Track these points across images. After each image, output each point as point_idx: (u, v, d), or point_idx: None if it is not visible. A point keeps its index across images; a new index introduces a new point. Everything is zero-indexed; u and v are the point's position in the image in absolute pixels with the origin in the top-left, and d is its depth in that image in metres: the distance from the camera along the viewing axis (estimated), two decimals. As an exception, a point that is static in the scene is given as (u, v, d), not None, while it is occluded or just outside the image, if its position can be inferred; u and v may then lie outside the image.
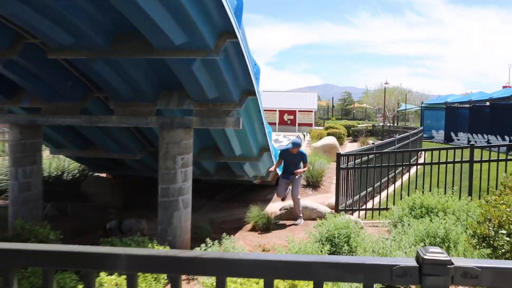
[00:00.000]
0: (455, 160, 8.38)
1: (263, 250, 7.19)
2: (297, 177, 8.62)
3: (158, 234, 7.36)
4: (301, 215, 8.72)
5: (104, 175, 12.43)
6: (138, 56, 6.14)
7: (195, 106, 7.43)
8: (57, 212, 9.75)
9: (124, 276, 3.96)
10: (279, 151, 12.72)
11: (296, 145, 8.53)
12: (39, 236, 4.99)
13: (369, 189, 9.81)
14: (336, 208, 9.13)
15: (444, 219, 5.79)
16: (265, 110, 8.93)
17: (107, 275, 3.78)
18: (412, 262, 1.20)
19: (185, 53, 5.93)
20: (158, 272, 1.52)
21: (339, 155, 9.38)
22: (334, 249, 6.41)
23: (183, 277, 6.10)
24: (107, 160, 11.25)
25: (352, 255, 6.29)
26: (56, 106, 8.05)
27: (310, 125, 41.05)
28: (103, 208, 10.24)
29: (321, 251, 5.85)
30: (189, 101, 7.43)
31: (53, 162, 12.60)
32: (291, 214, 9.06)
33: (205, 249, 6.38)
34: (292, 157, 8.62)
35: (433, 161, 10.76)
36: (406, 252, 5.08)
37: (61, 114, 7.95)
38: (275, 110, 41.27)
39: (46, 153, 12.83)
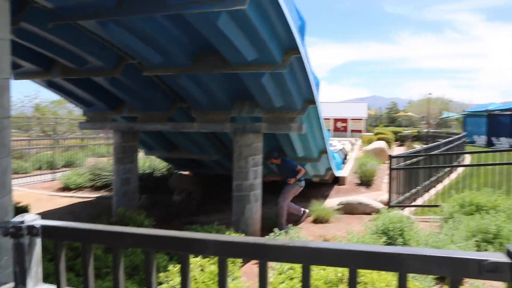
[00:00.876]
0: (500, 162, 7.76)
1: (324, 240, 6.99)
2: (288, 186, 8.09)
3: (232, 223, 7.38)
4: (284, 223, 7.89)
5: (186, 172, 12.70)
6: (216, 71, 6.17)
7: (264, 114, 7.37)
8: (149, 203, 10.03)
9: (207, 259, 3.95)
10: (335, 154, 12.44)
11: (270, 156, 8.08)
12: (137, 222, 5.12)
13: (418, 188, 9.31)
14: (388, 204, 8.74)
15: (494, 216, 5.33)
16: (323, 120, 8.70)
17: (193, 257, 3.77)
18: (503, 258, 1.03)
19: (256, 67, 5.88)
20: (247, 257, 1.43)
21: (391, 157, 8.98)
22: (390, 240, 6.09)
23: (254, 261, 6.03)
24: (188, 160, 11.48)
25: (407, 246, 5.95)
26: (149, 115, 8.28)
27: (361, 131, 39.98)
28: (183, 200, 10.41)
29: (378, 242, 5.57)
30: (258, 110, 7.38)
31: (146, 161, 13.03)
32: (348, 209, 8.79)
33: (272, 238, 6.28)
34: (279, 167, 8.20)
35: (477, 163, 10.06)
36: (459, 246, 4.71)
37: (152, 121, 8.18)
38: (330, 119, 40.54)
39: (141, 154, 13.35)
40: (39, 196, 10.68)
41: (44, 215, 7.03)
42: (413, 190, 9.15)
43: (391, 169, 8.77)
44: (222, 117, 7.58)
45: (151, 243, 1.55)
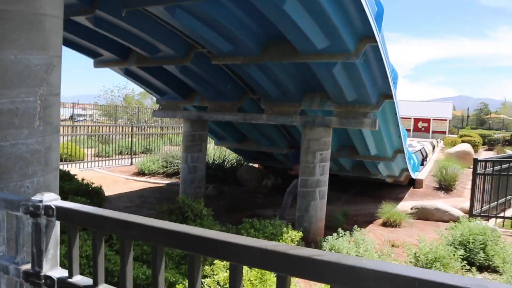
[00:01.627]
0: None
1: (392, 246, 6.40)
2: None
3: (295, 219, 7.08)
4: (286, 214, 7.60)
5: (256, 165, 12.57)
6: (284, 60, 5.86)
7: (335, 108, 6.92)
8: (216, 193, 10.03)
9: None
10: (413, 154, 11.52)
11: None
12: (195, 211, 5.03)
13: (509, 197, 8.24)
14: (470, 213, 7.85)
15: None
16: (400, 118, 7.99)
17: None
18: None
19: (327, 56, 5.47)
20: (264, 268, 1.11)
21: (476, 161, 8.05)
22: (468, 254, 5.37)
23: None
24: (258, 153, 11.33)
25: (488, 264, 5.19)
26: (219, 105, 8.23)
27: (444, 133, 37.13)
28: (253, 192, 10.29)
29: (454, 255, 4.91)
30: (329, 103, 6.95)
31: (216, 152, 13.13)
32: (422, 214, 8.03)
33: (336, 238, 5.87)
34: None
35: None
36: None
37: (222, 111, 8.12)
38: (410, 118, 38.15)
39: (211, 145, 13.50)
40: (116, 178, 11.19)
41: (117, 196, 7.30)
42: (501, 200, 8.12)
43: (476, 174, 7.86)
44: (291, 110, 7.28)
45: (157, 238, 1.30)
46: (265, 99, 7.53)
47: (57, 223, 1.69)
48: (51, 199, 1.65)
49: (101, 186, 6.72)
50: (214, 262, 3.38)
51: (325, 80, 6.26)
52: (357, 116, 6.78)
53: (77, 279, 1.62)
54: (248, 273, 3.06)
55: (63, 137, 12.53)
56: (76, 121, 27.38)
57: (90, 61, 7.88)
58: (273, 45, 5.90)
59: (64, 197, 5.51)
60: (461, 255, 4.87)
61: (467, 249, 5.45)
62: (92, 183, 6.70)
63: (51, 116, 2.42)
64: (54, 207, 1.61)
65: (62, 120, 24.96)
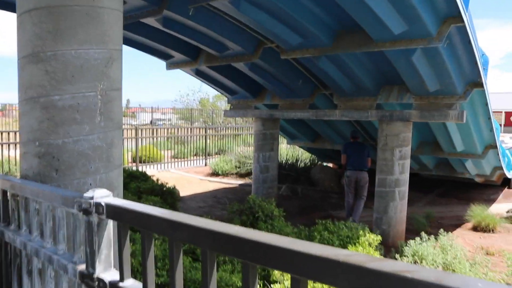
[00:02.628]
0: None
1: (487, 254, 5.70)
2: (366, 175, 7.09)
3: (373, 221, 6.63)
4: (358, 220, 6.86)
5: (330, 164, 12.16)
6: (358, 50, 5.47)
7: (415, 100, 6.36)
8: (289, 193, 9.81)
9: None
10: (507, 151, 10.35)
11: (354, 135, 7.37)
12: (266, 211, 4.85)
13: None
14: None
15: None
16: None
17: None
18: None
19: (405, 43, 4.99)
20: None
21: None
22: None
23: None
24: (332, 151, 10.93)
25: None
26: (290, 102, 8.03)
27: (542, 127, 33.43)
28: (327, 192, 9.93)
29: None
30: (409, 95, 6.40)
31: (289, 151, 12.93)
32: (521, 217, 7.12)
33: (420, 243, 5.35)
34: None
35: None
36: None
37: (293, 109, 7.92)
38: (501, 112, 34.88)
39: (284, 145, 13.32)
40: (191, 179, 11.43)
41: (191, 196, 7.38)
42: None
43: None
44: (366, 104, 6.85)
45: (206, 241, 1.09)
46: (338, 94, 7.17)
47: (110, 222, 1.57)
48: (102, 195, 1.54)
49: (174, 186, 6.82)
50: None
51: (403, 69, 5.76)
52: (440, 108, 6.16)
53: (129, 283, 1.48)
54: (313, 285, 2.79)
55: (142, 139, 13.12)
56: (155, 126, 28.78)
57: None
58: (345, 35, 5.55)
59: (139, 196, 5.59)
60: None
61: None
62: (166, 183, 6.82)
63: (112, 111, 2.36)
64: (104, 204, 1.49)
65: (143, 125, 26.38)
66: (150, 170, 11.84)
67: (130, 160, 12.91)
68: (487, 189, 9.64)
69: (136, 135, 12.34)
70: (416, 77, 5.77)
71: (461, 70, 5.81)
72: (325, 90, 7.58)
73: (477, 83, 6.08)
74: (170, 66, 7.93)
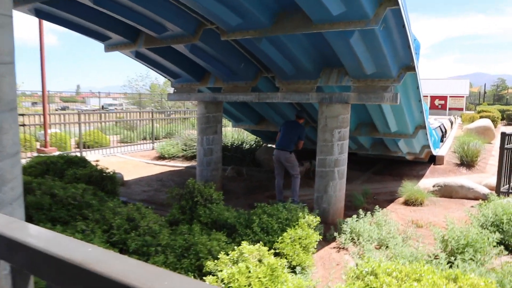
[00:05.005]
0: None
1: (417, 226, 5.72)
2: (292, 155, 6.96)
3: (314, 200, 6.48)
4: (297, 199, 6.81)
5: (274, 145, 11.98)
6: (298, 31, 5.15)
7: (353, 83, 6.20)
8: (235, 174, 9.55)
9: (267, 247, 3.09)
10: (433, 131, 10.64)
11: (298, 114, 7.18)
12: (205, 195, 4.47)
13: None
14: (497, 190, 7.06)
15: None
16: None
17: (249, 242, 2.94)
18: None
19: (343, 24, 4.73)
20: None
21: (504, 135, 7.19)
22: (502, 236, 4.64)
23: (333, 245, 5.06)
24: (276, 133, 10.70)
25: None
26: (233, 85, 7.65)
27: (461, 109, 35.50)
28: (271, 172, 9.68)
29: (488, 239, 4.19)
30: (347, 78, 6.23)
31: (235, 134, 12.62)
32: (445, 191, 7.27)
33: (356, 220, 5.25)
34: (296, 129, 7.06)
35: None
36: None
37: (236, 92, 7.55)
38: (427, 96, 36.52)
39: (230, 127, 12.97)
40: (137, 163, 10.84)
41: (136, 181, 6.86)
42: (532, 174, 7.26)
43: (504, 149, 7.01)
44: (307, 87, 6.61)
45: (47, 272, 0.69)
46: (279, 77, 6.88)
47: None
48: None
49: (115, 171, 6.25)
50: (218, 256, 2.80)
51: (341, 52, 5.54)
52: (376, 90, 6.05)
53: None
54: (257, 269, 2.47)
55: (89, 125, 12.25)
56: (107, 111, 27.37)
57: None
58: (284, 16, 5.20)
59: (76, 183, 4.98)
60: (497, 238, 4.15)
61: (501, 230, 4.73)
62: (107, 168, 6.23)
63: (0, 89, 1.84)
64: None
65: (92, 111, 24.91)
66: (95, 155, 11.07)
67: (74, 146, 12.00)
68: (416, 166, 9.87)
69: (79, 119, 11.41)
70: (354, 60, 5.58)
71: (395, 53, 5.69)
72: (267, 73, 7.29)
73: (410, 67, 6.01)
74: (108, 48, 7.23)
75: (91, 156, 10.67)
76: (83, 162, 6.65)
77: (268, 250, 2.85)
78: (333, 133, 6.34)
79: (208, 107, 7.97)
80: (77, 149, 11.47)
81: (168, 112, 18.06)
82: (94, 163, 6.68)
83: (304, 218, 4.26)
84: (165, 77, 8.80)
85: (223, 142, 9.98)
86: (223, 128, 9.04)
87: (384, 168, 10.28)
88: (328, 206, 6.27)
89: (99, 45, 7.37)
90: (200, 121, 8.06)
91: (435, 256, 4.19)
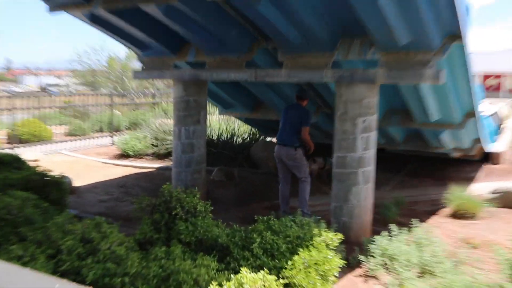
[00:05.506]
0: None
1: (471, 247, 5.74)
2: (300, 152, 7.02)
3: (331, 212, 6.50)
4: (307, 211, 6.97)
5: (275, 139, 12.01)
6: (309, -13, 5.12)
7: (382, 56, 6.20)
8: (223, 178, 9.58)
9: (275, 276, 3.07)
10: (487, 119, 10.72)
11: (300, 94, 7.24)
12: (187, 206, 4.46)
13: None
14: None
15: None
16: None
17: (249, 270, 2.92)
18: None
19: (370, -23, 4.72)
20: None
21: None
22: None
23: (359, 271, 5.08)
24: (277, 122, 10.72)
25: None
26: (221, 60, 7.63)
27: (522, 90, 35.75)
28: (271, 175, 9.72)
29: None
30: (373, 50, 6.24)
31: (222, 124, 12.64)
32: (507, 200, 7.33)
33: (389, 238, 5.26)
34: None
35: None
36: None
37: (226, 68, 7.54)
38: (478, 74, 36.78)
39: (216, 116, 12.98)
40: (91, 163, 10.93)
41: (90, 187, 6.82)
42: None
43: None
44: (320, 61, 6.59)
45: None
46: (283, 49, 6.86)
47: None
48: None
49: (62, 175, 6.21)
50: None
51: (367, 16, 5.53)
52: (413, 66, 6.04)
53: None
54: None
55: (23, 112, 12.18)
56: (48, 93, 27.18)
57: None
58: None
59: (8, 190, 4.93)
60: None
61: None
62: (51, 171, 6.19)
63: None
64: None
65: (30, 93, 24.74)
66: (33, 153, 11.04)
67: (4, 140, 11.96)
68: (465, 166, 9.95)
69: (10, 105, 11.34)
70: (383, 26, 5.56)
71: (438, 16, 5.67)
72: (267, 43, 7.25)
73: (457, 36, 6.01)
74: (53, 8, 7.17)
75: (27, 154, 10.63)
76: (16, 162, 6.61)
77: (276, 280, 2.83)
78: (356, 122, 6.32)
79: (188, 88, 7.95)
80: (9, 145, 11.41)
81: (133, 95, 18.05)
82: (32, 164, 6.63)
83: (320, 236, 4.25)
84: (130, 48, 8.76)
85: (207, 135, 9.97)
86: (207, 117, 8.99)
87: (421, 168, 10.35)
88: (350, 220, 6.28)
89: (40, 4, 7.28)
90: (177, 107, 8.04)
91: (500, 287, 4.21)
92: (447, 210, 7.37)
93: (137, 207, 4.72)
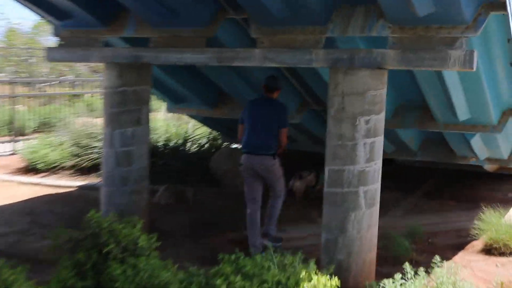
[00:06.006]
0: None
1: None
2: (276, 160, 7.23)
3: (322, 246, 6.53)
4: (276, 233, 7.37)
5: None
6: None
7: (393, 32, 6.28)
8: (173, 200, 9.69)
9: None
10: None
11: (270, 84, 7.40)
12: (123, 241, 4.43)
13: None
14: None
15: None
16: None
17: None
18: None
19: None
20: None
21: None
22: None
23: None
24: (248, 124, 10.90)
25: None
26: (172, 35, 7.66)
27: None
28: (238, 195, 9.77)
29: None
30: (382, 23, 6.31)
31: (171, 125, 12.69)
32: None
33: (402, 283, 5.30)
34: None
35: None
36: None
37: (178, 46, 7.56)
38: None
39: (162, 113, 12.99)
40: (-16, 181, 10.80)
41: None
42: None
43: None
44: (308, 38, 6.69)
45: None
46: (259, 21, 6.94)
47: None
48: None
49: None
50: None
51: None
52: (435, 46, 6.15)
53: None
54: None
55: None
56: None
57: None
58: None
59: None
60: None
61: None
62: None
63: None
64: None
65: None
66: None
67: None
68: (502, 183, 10.19)
69: None
70: (395, -10, 5.69)
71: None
72: (235, 13, 7.32)
73: (495, 3, 6.14)
74: None
75: None
76: None
77: None
78: (357, 122, 6.39)
79: (124, 74, 7.91)
80: None
81: (44, 84, 17.96)
82: None
83: (310, 281, 4.26)
84: (44, 17, 8.70)
85: (151, 141, 9.94)
86: (151, 114, 8.99)
87: (443, 187, 10.53)
88: (348, 258, 6.32)
89: None
90: (109, 101, 8.01)
91: None
92: (478, 244, 7.51)
93: (52, 243, 4.69)
